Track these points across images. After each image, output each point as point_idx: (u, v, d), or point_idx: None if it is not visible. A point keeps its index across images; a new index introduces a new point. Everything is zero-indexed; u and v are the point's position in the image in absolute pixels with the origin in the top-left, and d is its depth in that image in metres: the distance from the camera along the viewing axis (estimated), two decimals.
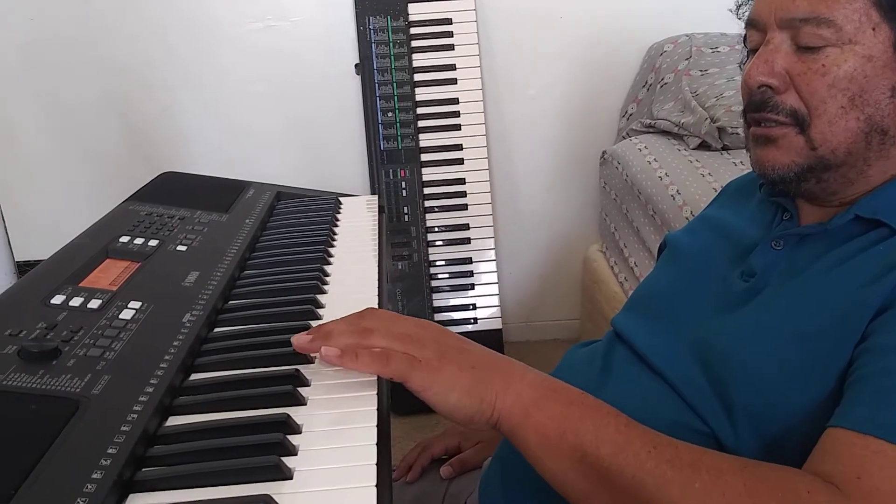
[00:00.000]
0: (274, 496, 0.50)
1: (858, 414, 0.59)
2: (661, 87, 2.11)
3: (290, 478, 0.53)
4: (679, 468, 0.58)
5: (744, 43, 0.80)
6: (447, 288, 2.17)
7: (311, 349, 0.67)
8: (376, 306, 0.83)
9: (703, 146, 1.85)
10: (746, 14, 0.78)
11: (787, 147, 0.71)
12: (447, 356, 0.64)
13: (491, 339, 2.16)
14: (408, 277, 2.14)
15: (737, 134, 1.78)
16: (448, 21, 2.15)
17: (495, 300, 2.18)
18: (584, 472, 0.61)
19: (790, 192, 0.76)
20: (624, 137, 2.19)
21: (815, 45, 0.68)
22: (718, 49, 2.10)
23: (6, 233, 1.10)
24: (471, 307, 2.17)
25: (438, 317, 2.15)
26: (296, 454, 0.55)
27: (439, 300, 2.16)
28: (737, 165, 1.71)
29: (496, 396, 0.63)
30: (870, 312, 0.63)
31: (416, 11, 2.14)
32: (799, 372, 0.65)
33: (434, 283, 2.16)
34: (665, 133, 2.03)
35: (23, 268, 1.15)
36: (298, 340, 0.67)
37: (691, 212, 1.57)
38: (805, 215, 0.77)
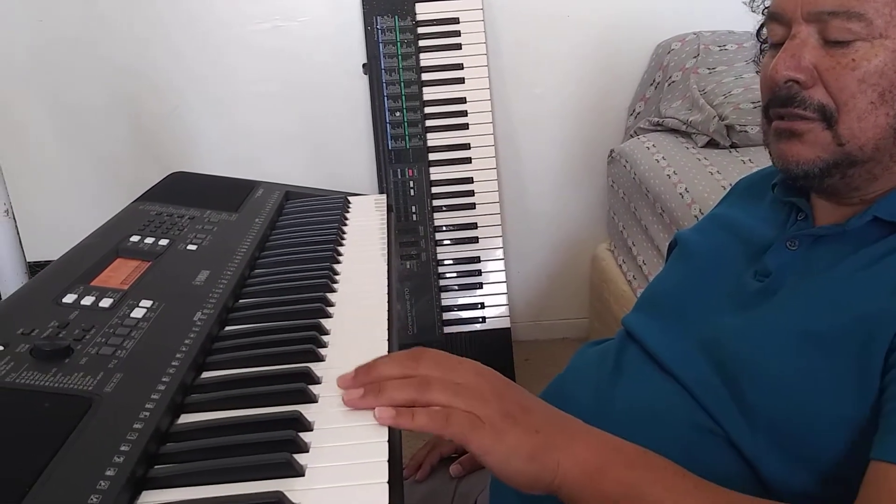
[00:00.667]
0: (286, 493, 0.50)
1: (893, 444, 0.57)
2: (669, 85, 2.11)
3: (302, 475, 0.53)
4: None
5: (756, 37, 0.79)
6: (455, 287, 2.17)
7: (365, 406, 0.61)
8: (386, 305, 0.82)
9: (712, 144, 1.85)
10: (761, 6, 0.77)
11: (813, 142, 0.70)
12: (511, 416, 0.60)
13: (499, 338, 2.16)
14: (416, 276, 2.14)
15: (745, 132, 1.77)
16: (455, 20, 2.15)
17: (504, 299, 2.18)
18: None
19: (812, 187, 0.74)
20: (632, 136, 2.18)
21: (845, 39, 0.67)
22: (726, 47, 2.09)
23: (18, 234, 1.10)
24: (479, 306, 2.16)
25: (447, 316, 2.15)
26: (307, 451, 0.55)
27: (447, 299, 2.16)
28: (745, 163, 1.70)
29: (558, 463, 0.60)
30: None
31: (423, 11, 2.14)
32: (818, 375, 0.64)
33: (442, 283, 2.16)
34: (673, 131, 2.02)
35: (34, 268, 1.15)
36: (350, 397, 0.62)
37: (700, 210, 1.57)
38: (820, 215, 0.76)
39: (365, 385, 0.62)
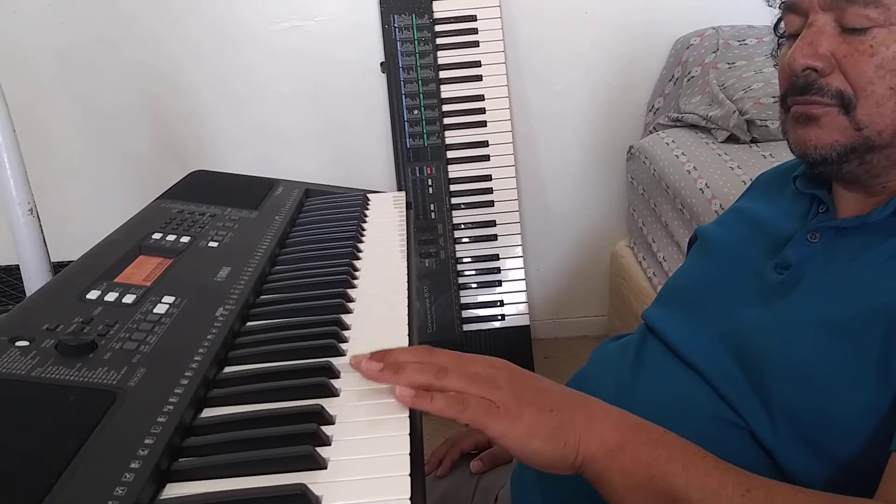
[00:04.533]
0: (309, 485, 0.50)
1: None
2: (688, 80, 2.09)
3: (325, 467, 0.53)
4: None
5: (774, 30, 0.79)
6: (474, 285, 2.17)
7: (383, 379, 0.62)
8: (406, 300, 0.82)
9: (732, 139, 1.83)
10: (777, 0, 0.76)
11: (830, 125, 0.70)
12: (525, 399, 0.61)
13: (519, 335, 2.16)
14: (435, 274, 2.14)
15: (766, 126, 1.76)
16: (473, 18, 2.15)
17: (523, 297, 2.17)
18: None
19: (832, 174, 0.74)
20: (651, 132, 2.17)
21: (862, 26, 0.67)
22: (746, 41, 2.08)
23: (42, 233, 1.12)
24: (498, 304, 2.16)
25: (466, 314, 2.15)
26: (329, 444, 0.56)
27: (467, 297, 2.16)
28: (766, 158, 1.69)
29: (579, 441, 0.60)
30: None
31: (440, 9, 2.14)
32: (839, 366, 0.64)
33: (461, 280, 2.16)
34: (692, 127, 2.01)
35: (58, 269, 1.16)
36: (368, 367, 0.63)
37: (720, 205, 1.56)
38: (842, 207, 0.75)
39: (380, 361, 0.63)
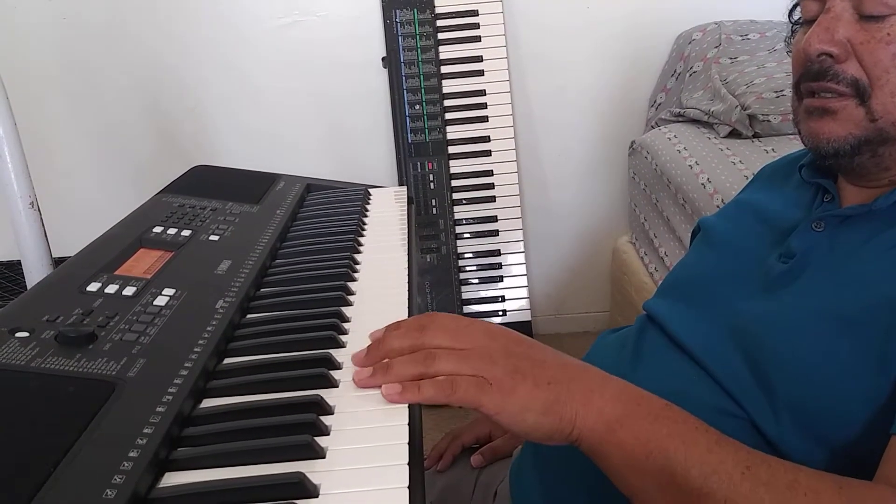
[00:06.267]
0: (307, 474, 0.50)
1: None
2: (690, 75, 2.09)
3: (323, 457, 0.53)
4: (775, 490, 0.55)
5: (788, 17, 0.78)
6: (476, 280, 2.17)
7: (374, 384, 0.61)
8: (406, 296, 0.82)
9: (734, 134, 1.83)
10: None
11: (846, 119, 0.69)
12: (520, 371, 0.59)
13: (520, 331, 2.09)
14: (436, 270, 2.14)
15: (768, 121, 1.75)
16: (474, 13, 2.15)
17: (524, 292, 2.18)
18: (673, 493, 0.57)
19: (842, 167, 0.73)
20: (653, 127, 2.17)
21: (880, 13, 0.66)
22: (748, 36, 2.07)
23: (43, 226, 1.12)
24: (499, 299, 2.17)
25: (467, 309, 2.15)
26: (328, 434, 0.56)
27: (468, 292, 2.16)
28: (768, 153, 1.69)
29: (576, 414, 0.59)
30: None
31: (442, 4, 2.15)
32: (841, 356, 0.63)
33: (463, 276, 2.16)
34: (694, 122, 2.01)
35: (59, 264, 1.16)
36: (359, 377, 0.62)
37: (722, 200, 1.55)
38: (847, 196, 0.75)
39: (375, 363, 0.63)
